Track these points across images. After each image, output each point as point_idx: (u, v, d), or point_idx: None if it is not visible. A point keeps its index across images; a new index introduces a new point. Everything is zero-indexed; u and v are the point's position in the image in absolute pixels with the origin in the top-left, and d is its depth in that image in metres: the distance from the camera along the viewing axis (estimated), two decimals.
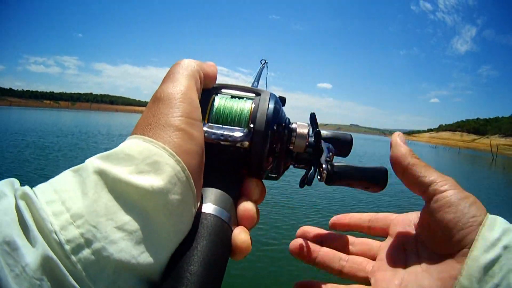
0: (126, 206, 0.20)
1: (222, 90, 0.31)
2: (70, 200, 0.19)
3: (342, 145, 0.35)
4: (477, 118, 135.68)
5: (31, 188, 0.19)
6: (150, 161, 0.21)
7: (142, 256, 0.20)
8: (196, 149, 0.24)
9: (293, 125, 0.32)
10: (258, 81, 0.51)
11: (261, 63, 0.54)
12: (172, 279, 0.21)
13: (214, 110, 0.30)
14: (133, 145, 0.22)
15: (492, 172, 17.88)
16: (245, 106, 0.30)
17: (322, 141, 0.33)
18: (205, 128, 0.28)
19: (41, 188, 0.20)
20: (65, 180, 0.20)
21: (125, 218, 0.20)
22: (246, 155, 0.29)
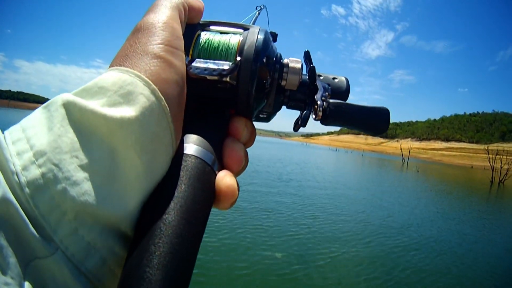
0: (93, 142, 0.25)
1: (210, 27, 0.40)
2: (34, 137, 0.24)
3: (338, 88, 0.45)
4: None
5: (1, 131, 0.24)
6: (123, 91, 0.27)
7: (107, 200, 0.25)
8: (176, 78, 0.31)
9: (285, 60, 0.41)
10: None
11: (256, 9, 0.64)
12: (144, 232, 0.26)
13: (198, 45, 0.38)
14: (107, 76, 0.28)
15: (405, 176, 23.95)
16: (233, 39, 0.38)
17: (318, 80, 0.43)
18: (188, 63, 0.35)
19: (11, 129, 0.26)
20: (34, 116, 0.26)
21: (91, 156, 0.25)
22: (233, 91, 0.36)
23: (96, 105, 0.27)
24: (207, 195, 0.31)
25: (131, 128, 0.27)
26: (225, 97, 0.38)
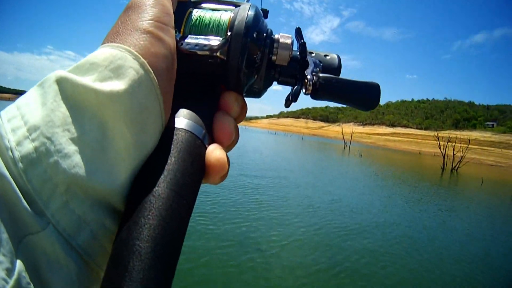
0: (84, 116, 0.30)
1: (201, 4, 0.46)
2: (29, 114, 0.28)
3: (330, 65, 0.51)
4: (326, 106, 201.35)
5: None
6: (113, 66, 0.32)
7: (98, 172, 0.29)
8: (165, 52, 0.36)
9: (276, 36, 0.47)
10: None
11: None
12: (134, 205, 0.29)
13: (190, 22, 0.43)
14: (99, 53, 0.33)
15: (348, 160, 26.25)
16: (224, 16, 0.43)
17: (309, 56, 0.49)
18: (179, 39, 0.41)
19: (7, 108, 0.29)
20: (29, 94, 0.30)
21: (82, 129, 0.29)
22: (223, 66, 0.42)
23: (87, 80, 0.31)
24: (197, 168, 0.35)
25: (120, 100, 0.31)
26: (216, 72, 0.43)
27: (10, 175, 0.26)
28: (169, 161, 0.33)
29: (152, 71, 0.34)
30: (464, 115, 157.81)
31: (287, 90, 0.52)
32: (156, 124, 0.34)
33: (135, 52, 0.34)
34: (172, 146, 0.34)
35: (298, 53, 0.49)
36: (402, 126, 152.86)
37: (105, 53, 0.33)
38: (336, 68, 0.52)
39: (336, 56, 0.53)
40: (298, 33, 0.50)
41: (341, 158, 28.04)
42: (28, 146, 0.27)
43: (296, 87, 0.47)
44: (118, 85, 0.31)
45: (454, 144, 30.74)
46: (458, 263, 6.20)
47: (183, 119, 0.37)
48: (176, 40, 0.41)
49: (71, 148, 0.28)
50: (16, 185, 0.26)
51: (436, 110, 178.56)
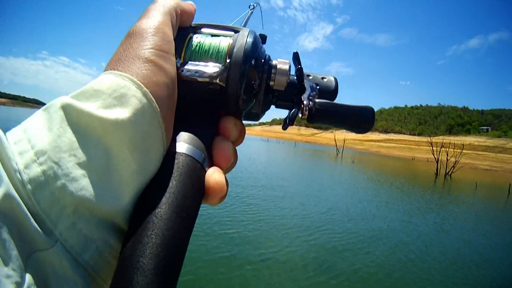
0: (89, 141, 0.32)
1: (201, 29, 0.49)
2: (35, 137, 0.30)
3: (327, 88, 0.54)
4: None
5: (3, 132, 0.30)
6: (117, 94, 0.34)
7: (103, 195, 0.31)
8: (167, 81, 0.38)
9: (274, 62, 0.50)
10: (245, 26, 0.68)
11: (249, 8, 0.76)
12: (137, 225, 0.32)
13: (190, 48, 0.46)
14: (102, 80, 0.35)
15: (340, 167, 26.65)
16: (223, 42, 0.46)
17: (306, 80, 0.52)
18: (180, 66, 0.43)
19: (12, 130, 0.31)
20: (34, 118, 0.32)
21: (88, 154, 0.31)
22: (222, 92, 0.44)
23: (92, 107, 0.33)
24: (197, 191, 0.37)
25: (125, 128, 0.33)
26: (215, 98, 0.45)
27: (19, 196, 0.28)
28: (170, 184, 0.35)
29: (154, 100, 0.36)
30: (458, 121, 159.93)
31: None
32: (158, 149, 0.36)
33: (138, 81, 0.36)
34: (173, 170, 0.36)
35: (295, 77, 0.52)
36: (395, 132, 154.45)
37: (108, 80, 0.35)
38: (332, 91, 0.54)
39: (333, 79, 0.56)
40: (296, 57, 0.52)
41: (334, 165, 28.58)
42: (36, 170, 0.29)
43: (293, 110, 0.50)
44: (122, 113, 0.33)
45: (447, 149, 31.07)
46: (454, 267, 6.35)
47: (183, 144, 0.39)
48: (177, 67, 0.43)
49: (78, 172, 0.30)
50: (25, 205, 0.28)
51: (429, 116, 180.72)
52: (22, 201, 0.28)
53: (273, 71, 0.49)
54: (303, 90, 0.51)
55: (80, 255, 0.31)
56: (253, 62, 0.45)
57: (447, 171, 28.73)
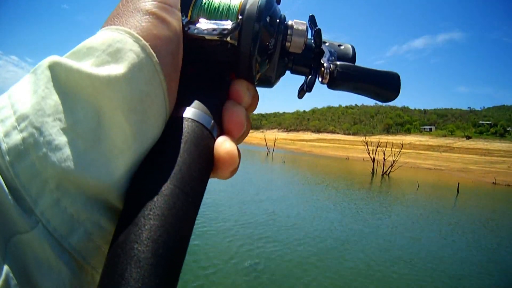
0: (78, 103, 0.30)
1: None
2: (19, 102, 0.29)
3: (345, 55, 0.55)
4: None
5: None
6: (111, 49, 0.32)
7: (92, 166, 0.29)
8: (170, 35, 0.37)
9: (290, 22, 0.49)
10: None
11: None
12: (133, 203, 0.29)
13: (198, 5, 0.45)
14: (97, 36, 0.34)
15: (271, 167, 27.83)
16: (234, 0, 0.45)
17: (324, 45, 0.53)
18: (186, 23, 0.42)
19: None
20: (21, 82, 0.31)
21: (74, 117, 0.29)
22: (234, 52, 0.44)
23: (83, 65, 0.31)
24: (204, 162, 0.35)
25: (118, 86, 0.31)
26: (225, 59, 0.45)
27: None
28: (173, 153, 0.33)
29: (154, 55, 0.34)
30: (396, 120, 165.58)
31: None
32: (159, 113, 0.34)
33: (136, 34, 0.34)
34: (177, 137, 0.34)
35: (312, 41, 0.52)
36: (328, 132, 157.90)
37: (103, 36, 0.34)
38: (351, 58, 0.55)
39: (350, 46, 0.56)
40: (312, 20, 0.52)
41: (265, 165, 29.44)
42: (16, 137, 0.27)
43: (311, 76, 0.50)
44: (116, 69, 0.31)
45: (384, 148, 31.40)
46: (390, 265, 7.17)
47: (189, 108, 0.37)
48: (183, 24, 0.41)
49: (62, 139, 0.28)
50: (3, 179, 0.27)
51: (365, 115, 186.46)
52: (1, 175, 0.27)
53: (289, 31, 0.49)
54: (321, 53, 0.52)
55: (65, 238, 0.29)
56: (267, 20, 0.45)
57: (384, 171, 29.22)
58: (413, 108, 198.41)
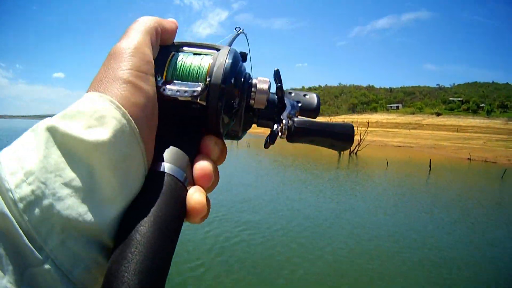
0: (73, 162, 0.37)
1: (183, 48, 0.55)
2: (24, 158, 0.36)
3: (309, 105, 0.62)
4: None
5: None
6: (97, 115, 0.39)
7: (88, 214, 0.36)
8: (145, 102, 0.44)
9: (254, 80, 0.56)
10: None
11: (235, 30, 0.83)
12: (122, 242, 0.37)
13: (172, 67, 0.51)
14: (85, 101, 0.41)
15: (236, 152, 28.67)
16: (204, 61, 0.51)
17: (286, 98, 0.59)
18: (161, 85, 0.49)
19: (4, 151, 0.37)
20: (24, 139, 0.38)
21: (72, 174, 0.36)
22: (203, 110, 0.50)
23: (74, 128, 0.38)
24: (178, 209, 0.42)
25: (105, 149, 0.38)
26: (196, 117, 0.51)
27: (11, 214, 0.33)
28: (152, 202, 0.40)
29: (132, 121, 0.41)
30: (362, 99, 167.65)
31: None
32: (139, 169, 0.42)
33: (117, 102, 0.41)
34: (155, 189, 0.41)
35: (275, 96, 0.58)
36: None
37: (90, 102, 0.41)
38: (314, 109, 0.62)
39: (315, 96, 0.63)
40: (277, 75, 0.58)
41: (229, 151, 28.36)
42: (26, 189, 0.34)
43: (274, 129, 0.56)
44: (102, 134, 0.38)
45: None
46: (365, 245, 7.60)
47: (164, 163, 0.44)
48: (158, 86, 0.48)
49: (64, 191, 0.36)
50: (17, 223, 0.33)
51: (329, 96, 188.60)
52: (15, 219, 0.33)
53: (253, 89, 0.55)
54: (283, 107, 0.57)
55: (70, 272, 0.35)
56: (232, 81, 0.51)
57: (351, 149, 29.85)
58: (378, 87, 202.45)
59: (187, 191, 0.45)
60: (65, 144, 0.38)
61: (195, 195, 0.44)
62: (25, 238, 0.33)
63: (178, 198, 0.43)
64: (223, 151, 0.54)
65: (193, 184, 0.47)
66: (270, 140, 0.56)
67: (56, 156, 0.37)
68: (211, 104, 0.49)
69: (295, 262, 6.37)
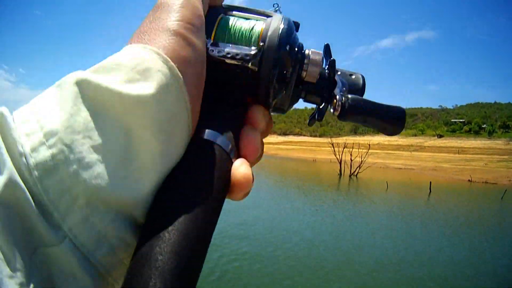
0: (107, 121, 0.33)
1: (233, 12, 0.53)
2: (45, 117, 0.31)
3: (355, 85, 0.60)
4: None
5: (9, 111, 0.31)
6: (140, 68, 0.35)
7: (121, 184, 0.32)
8: (195, 57, 0.41)
9: (307, 51, 0.54)
10: None
11: (273, 7, 0.79)
12: (157, 218, 0.33)
13: (221, 29, 0.49)
14: (125, 53, 0.37)
15: None
16: (257, 25, 0.50)
17: (337, 75, 0.57)
18: (209, 46, 0.46)
19: (20, 109, 0.33)
20: (45, 96, 0.34)
21: (105, 136, 0.32)
22: (254, 77, 0.48)
23: (111, 81, 0.34)
24: (222, 183, 0.40)
25: (148, 106, 0.34)
26: (245, 84, 0.49)
27: (24, 183, 0.29)
28: (194, 174, 0.37)
29: (181, 77, 0.38)
30: None
31: None
32: (183, 133, 0.38)
33: (164, 55, 0.37)
34: (199, 158, 0.39)
35: (326, 71, 0.56)
36: (294, 135, 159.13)
37: (131, 53, 0.37)
38: (360, 89, 0.60)
39: (360, 76, 0.61)
40: (327, 50, 0.57)
41: None
42: (45, 153, 0.29)
43: (322, 105, 0.55)
44: (145, 88, 0.34)
45: (351, 149, 32.10)
46: (361, 266, 7.66)
47: (210, 131, 0.42)
48: (207, 47, 0.46)
49: (93, 157, 0.31)
50: (30, 194, 0.29)
51: (332, 117, 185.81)
52: (28, 190, 0.29)
53: (305, 61, 0.53)
54: (334, 84, 0.56)
55: (92, 254, 0.32)
56: (287, 48, 0.49)
57: (352, 171, 30.30)
58: None
59: (232, 162, 0.42)
60: (99, 100, 0.33)
61: (241, 168, 0.42)
62: (37, 212, 0.29)
63: (223, 170, 0.40)
64: (270, 124, 0.52)
65: (238, 156, 0.44)
66: (319, 116, 0.56)
67: (85, 114, 0.32)
68: (264, 71, 0.47)
69: (290, 284, 6.52)
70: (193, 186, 0.36)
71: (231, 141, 0.43)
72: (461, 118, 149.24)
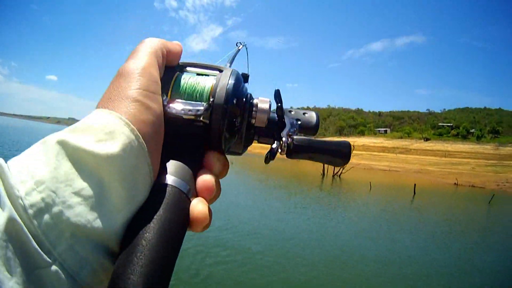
0: (83, 173, 0.40)
1: (187, 68, 0.61)
2: (34, 169, 0.39)
3: (308, 123, 0.67)
4: None
5: (4, 161, 0.39)
6: (107, 130, 0.43)
7: (96, 221, 0.39)
8: (153, 119, 0.48)
9: (255, 100, 0.61)
10: (231, 64, 0.85)
11: (236, 46, 0.94)
12: (128, 247, 0.40)
13: (177, 87, 0.56)
14: (95, 116, 0.45)
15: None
16: (207, 82, 0.57)
17: (286, 116, 0.64)
18: (166, 103, 0.52)
19: (14, 159, 0.40)
20: (33, 150, 0.41)
21: (82, 184, 0.39)
22: (206, 129, 0.54)
23: (85, 142, 0.41)
24: (182, 219, 0.46)
25: (115, 162, 0.41)
26: (200, 134, 0.55)
27: (21, 219, 0.36)
28: (157, 212, 0.43)
29: (140, 136, 0.45)
30: (350, 122, 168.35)
31: None
32: (146, 181, 0.45)
33: (126, 119, 0.44)
34: (160, 199, 0.45)
35: (275, 114, 0.63)
36: None
37: (100, 117, 0.44)
38: (313, 126, 0.67)
39: (314, 114, 0.69)
40: (277, 95, 0.63)
41: None
42: (36, 197, 0.37)
43: (274, 146, 0.59)
44: (112, 147, 0.42)
45: None
46: (343, 267, 7.73)
47: (170, 176, 0.48)
48: (164, 104, 0.52)
49: (74, 200, 0.38)
50: (27, 228, 0.36)
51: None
52: (24, 224, 0.36)
53: (254, 109, 0.60)
54: (283, 126, 0.62)
55: (77, 274, 0.38)
56: (234, 101, 0.55)
57: (335, 172, 30.99)
58: (367, 111, 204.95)
59: (190, 202, 0.48)
60: (76, 157, 0.40)
61: (198, 206, 0.48)
62: (34, 242, 0.36)
63: (182, 208, 0.46)
64: (225, 165, 0.58)
65: (196, 196, 0.51)
66: (270, 156, 0.60)
67: (66, 168, 0.40)
68: (214, 123, 0.53)
69: (275, 284, 6.59)
70: (156, 222, 0.42)
71: (188, 183, 0.49)
72: (448, 123, 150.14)
